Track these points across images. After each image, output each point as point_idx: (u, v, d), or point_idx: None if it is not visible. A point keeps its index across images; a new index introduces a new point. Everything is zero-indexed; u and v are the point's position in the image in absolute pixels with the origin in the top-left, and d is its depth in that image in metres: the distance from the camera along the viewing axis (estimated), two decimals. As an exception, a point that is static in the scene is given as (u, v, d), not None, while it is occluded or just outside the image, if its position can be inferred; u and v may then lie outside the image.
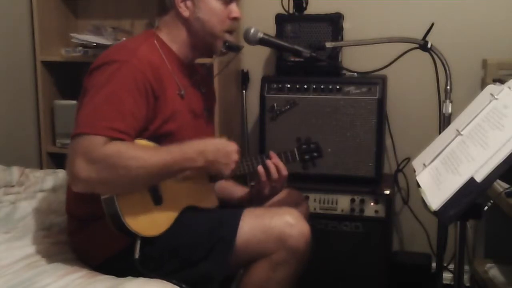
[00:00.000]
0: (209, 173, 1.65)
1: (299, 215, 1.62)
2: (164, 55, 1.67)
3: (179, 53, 1.73)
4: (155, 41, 1.68)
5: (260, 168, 1.74)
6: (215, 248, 1.57)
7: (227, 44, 1.74)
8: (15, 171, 2.22)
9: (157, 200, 1.58)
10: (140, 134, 1.55)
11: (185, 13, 1.69)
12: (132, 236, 1.52)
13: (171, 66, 1.67)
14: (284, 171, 1.76)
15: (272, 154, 1.77)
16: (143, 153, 1.50)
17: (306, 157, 1.86)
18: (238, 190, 1.92)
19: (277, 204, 1.88)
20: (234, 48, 1.79)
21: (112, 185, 1.48)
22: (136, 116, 1.52)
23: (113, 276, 1.53)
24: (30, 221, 1.91)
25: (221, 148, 1.62)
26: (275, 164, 1.75)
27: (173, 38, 1.72)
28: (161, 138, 1.59)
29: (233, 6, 1.73)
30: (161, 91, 1.59)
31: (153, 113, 1.58)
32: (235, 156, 1.63)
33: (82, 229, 1.67)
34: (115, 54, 1.60)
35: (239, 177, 1.85)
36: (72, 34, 2.67)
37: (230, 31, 1.74)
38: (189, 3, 1.68)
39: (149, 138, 1.58)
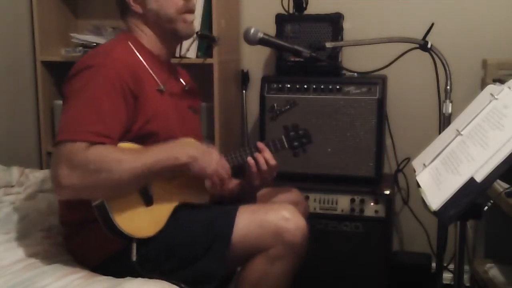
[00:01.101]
0: (192, 173, 1.61)
1: (295, 210, 1.62)
2: (140, 54, 1.68)
3: (154, 50, 1.74)
4: (129, 42, 1.69)
5: (250, 160, 1.74)
6: (213, 246, 1.57)
7: (199, 33, 1.74)
8: (15, 171, 2.22)
9: (148, 200, 1.57)
10: (123, 136, 1.55)
11: (138, 9, 1.71)
12: (127, 239, 1.52)
13: (148, 64, 1.68)
14: (272, 161, 1.74)
15: (260, 144, 1.76)
16: (125, 155, 1.49)
17: (295, 143, 1.84)
18: (230, 183, 1.91)
19: (275, 203, 1.88)
20: (207, 38, 1.78)
21: (96, 190, 1.47)
22: (116, 118, 1.52)
23: (112, 277, 1.53)
24: (30, 222, 1.91)
25: (202, 147, 1.63)
26: (263, 155, 1.74)
27: (142, 36, 1.73)
28: (145, 138, 1.59)
29: None
30: (140, 90, 1.59)
31: (134, 113, 1.58)
32: (217, 158, 1.63)
33: (77, 233, 1.66)
34: (90, 60, 1.60)
35: (232, 170, 1.84)
36: (72, 34, 2.67)
37: (187, 11, 1.73)
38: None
39: (133, 139, 1.58)
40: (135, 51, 1.68)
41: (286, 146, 1.83)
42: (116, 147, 1.51)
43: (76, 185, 1.44)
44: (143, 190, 1.57)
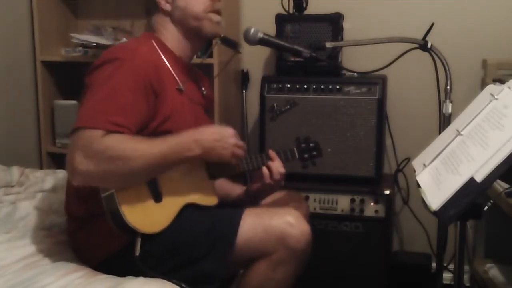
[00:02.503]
0: (211, 161, 1.64)
1: (300, 215, 1.63)
2: (163, 54, 1.70)
3: (177, 51, 1.75)
4: (153, 42, 1.72)
5: (264, 170, 1.76)
6: (216, 247, 1.58)
7: (223, 36, 1.75)
8: (15, 171, 2.22)
9: (157, 197, 1.58)
10: (139, 132, 1.56)
11: (166, 7, 1.74)
12: (132, 233, 1.52)
13: (170, 64, 1.69)
14: (282, 170, 1.77)
15: (272, 154, 1.78)
16: (141, 144, 1.50)
17: (306, 156, 1.87)
18: (235, 188, 1.93)
19: (278, 205, 1.88)
20: (230, 43, 1.79)
21: (111, 178, 1.48)
22: (136, 111, 1.54)
23: (113, 276, 1.53)
24: (30, 221, 1.91)
25: (216, 133, 1.63)
26: (275, 164, 1.76)
27: (166, 36, 1.75)
28: (161, 136, 1.59)
29: None
30: (161, 89, 1.61)
31: (154, 110, 1.59)
32: (232, 140, 1.64)
33: (82, 228, 1.67)
34: (116, 53, 1.62)
35: (237, 176, 1.85)
36: (72, 34, 2.67)
37: (214, 11, 1.75)
38: None
39: (149, 136, 1.58)
40: (159, 50, 1.70)
41: (297, 157, 1.86)
42: (133, 136, 1.52)
43: (92, 171, 1.45)
44: (153, 186, 1.58)
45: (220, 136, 1.62)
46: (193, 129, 1.61)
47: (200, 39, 1.80)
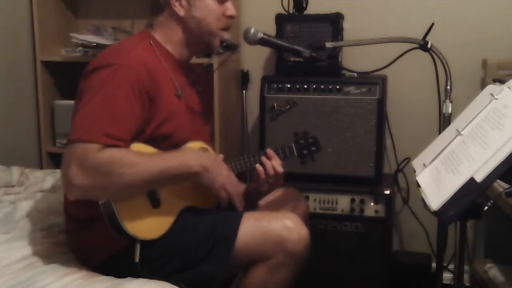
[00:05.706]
0: (201, 182, 1.60)
1: (298, 219, 1.62)
2: (160, 55, 1.67)
3: (175, 53, 1.73)
4: (151, 41, 1.68)
5: (258, 167, 1.73)
6: (215, 249, 1.57)
7: (224, 44, 1.74)
8: (15, 171, 2.22)
9: (155, 203, 1.57)
10: (137, 137, 1.55)
11: (181, 12, 1.69)
12: (130, 239, 1.52)
13: (167, 66, 1.67)
14: (280, 169, 1.73)
15: (269, 151, 1.76)
16: (137, 160, 1.49)
17: (305, 152, 1.84)
18: (239, 200, 1.90)
19: (277, 203, 1.88)
20: (232, 47, 1.79)
21: (106, 192, 1.48)
22: (132, 119, 1.52)
23: (112, 277, 1.53)
24: (30, 221, 1.91)
25: (214, 158, 1.65)
26: (272, 162, 1.74)
27: (168, 37, 1.72)
28: (158, 140, 1.59)
29: (229, 4, 1.73)
30: (157, 92, 1.58)
31: (149, 115, 1.57)
32: (226, 170, 1.64)
33: (81, 230, 1.66)
34: (109, 57, 1.59)
35: (238, 176, 1.85)
36: (72, 34, 2.67)
37: (225, 29, 1.74)
38: (184, 2, 1.68)
39: (146, 140, 1.58)
40: (157, 51, 1.67)
41: (296, 154, 1.83)
42: (129, 150, 1.51)
43: (87, 186, 1.44)
44: (151, 192, 1.57)
45: (218, 162, 1.63)
46: (192, 148, 1.63)
47: (203, 52, 1.79)
